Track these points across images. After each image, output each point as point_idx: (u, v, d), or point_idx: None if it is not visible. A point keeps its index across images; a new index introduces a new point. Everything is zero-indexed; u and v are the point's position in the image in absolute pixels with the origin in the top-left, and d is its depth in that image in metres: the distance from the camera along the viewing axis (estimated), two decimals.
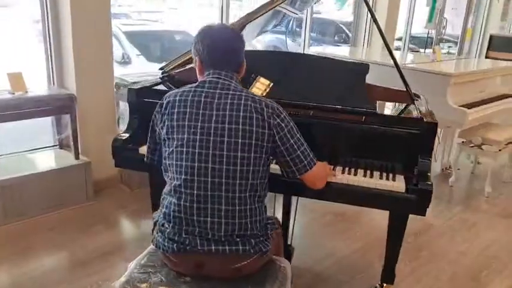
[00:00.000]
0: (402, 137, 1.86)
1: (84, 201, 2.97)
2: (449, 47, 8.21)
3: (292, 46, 9.51)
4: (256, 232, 1.46)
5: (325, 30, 9.55)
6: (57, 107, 2.79)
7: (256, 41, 9.34)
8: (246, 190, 1.42)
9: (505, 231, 3.01)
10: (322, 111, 1.94)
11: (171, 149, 1.44)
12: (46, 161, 3.01)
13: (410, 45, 7.03)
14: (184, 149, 1.41)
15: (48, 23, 2.92)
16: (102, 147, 3.11)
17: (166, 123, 1.45)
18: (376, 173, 1.85)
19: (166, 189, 1.49)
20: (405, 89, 2.18)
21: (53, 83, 3.03)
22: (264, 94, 2.05)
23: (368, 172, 1.86)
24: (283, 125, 1.44)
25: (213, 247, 1.42)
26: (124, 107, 3.67)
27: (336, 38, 9.13)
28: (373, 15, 2.18)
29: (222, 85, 1.45)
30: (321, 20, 10.03)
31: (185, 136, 1.41)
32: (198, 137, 1.40)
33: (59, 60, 2.99)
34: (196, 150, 1.40)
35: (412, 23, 6.48)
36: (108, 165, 3.16)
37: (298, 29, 10.08)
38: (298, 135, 1.49)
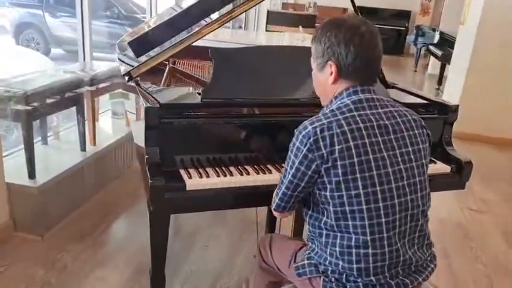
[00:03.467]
0: (433, 122, 2.01)
1: None
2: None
3: (54, 23, 8.40)
4: (432, 246, 1.39)
5: (93, 5, 8.75)
6: None
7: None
8: (429, 211, 1.33)
9: None
10: None
11: (355, 192, 1.17)
12: None
13: None
14: (378, 188, 1.18)
15: None
16: None
17: (339, 162, 1.16)
18: None
19: (347, 241, 1.20)
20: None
21: None
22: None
23: None
24: None
25: (420, 279, 1.28)
26: None
27: (108, 13, 8.55)
28: None
29: (378, 101, 1.27)
30: None
31: (374, 172, 1.18)
32: (390, 170, 1.20)
33: None
34: (393, 185, 1.20)
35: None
36: None
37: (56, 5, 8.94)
38: None
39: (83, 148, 2.83)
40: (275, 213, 1.37)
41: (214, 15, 2.01)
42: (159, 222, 1.83)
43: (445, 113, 2.00)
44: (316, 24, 8.78)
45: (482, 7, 4.62)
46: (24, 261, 2.21)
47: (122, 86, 3.20)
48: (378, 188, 1.17)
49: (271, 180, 1.64)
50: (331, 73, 1.24)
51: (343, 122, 1.18)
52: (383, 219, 1.18)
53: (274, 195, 1.35)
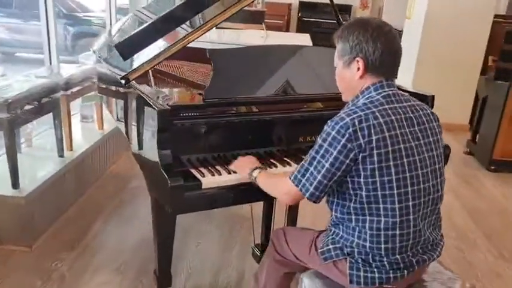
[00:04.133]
0: None
1: None
2: None
3: None
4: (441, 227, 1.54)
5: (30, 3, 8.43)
6: None
7: None
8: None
9: None
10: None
11: (388, 178, 1.28)
12: None
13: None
14: (408, 174, 1.30)
15: None
16: None
17: (375, 151, 1.26)
18: None
19: (377, 224, 1.31)
20: None
21: None
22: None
23: None
24: None
25: (435, 255, 1.43)
26: None
27: None
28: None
29: (402, 96, 1.39)
30: None
31: (404, 160, 1.30)
32: (416, 158, 1.33)
33: None
34: (419, 172, 1.33)
35: None
36: None
37: None
38: None
39: (61, 154, 2.76)
40: (293, 200, 1.44)
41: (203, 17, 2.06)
42: (168, 222, 1.88)
43: (424, 102, 2.17)
44: (265, 20, 8.92)
45: (428, 2, 4.93)
46: (18, 274, 2.15)
47: (94, 89, 3.14)
48: (408, 175, 1.30)
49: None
50: (358, 68, 1.34)
51: (378, 114, 1.28)
52: (410, 203, 1.31)
53: (300, 184, 1.35)
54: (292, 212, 2.39)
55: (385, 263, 1.34)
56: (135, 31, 2.35)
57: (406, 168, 1.30)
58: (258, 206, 2.34)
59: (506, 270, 2.52)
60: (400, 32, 6.95)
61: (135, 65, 1.99)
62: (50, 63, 3.23)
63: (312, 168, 1.32)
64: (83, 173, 2.93)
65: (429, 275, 1.53)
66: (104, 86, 2.72)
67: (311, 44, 4.55)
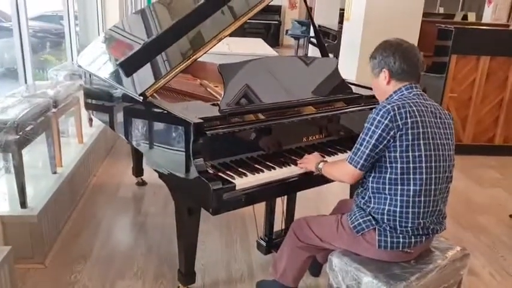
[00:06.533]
0: None
1: None
2: None
3: None
4: None
5: None
6: None
7: None
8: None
9: None
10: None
11: (418, 153, 1.64)
12: None
13: None
14: (433, 152, 1.66)
15: None
16: None
17: (410, 131, 1.62)
18: None
19: (407, 191, 1.65)
20: None
21: None
22: None
23: None
24: None
25: (443, 227, 1.79)
26: None
27: None
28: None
29: (427, 96, 1.76)
30: None
31: (431, 141, 1.66)
32: (439, 142, 1.69)
33: None
34: (441, 152, 1.69)
35: None
36: None
37: None
38: None
39: (54, 171, 2.81)
40: (352, 178, 1.75)
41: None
42: (193, 225, 2.08)
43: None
44: None
45: (365, 5, 5.41)
46: None
47: (74, 104, 3.20)
48: (433, 153, 1.66)
49: (292, 172, 1.99)
50: (385, 77, 1.74)
51: (411, 104, 1.66)
52: (433, 175, 1.67)
53: (354, 161, 1.69)
54: (290, 210, 2.65)
55: (409, 228, 1.67)
56: (136, 50, 2.50)
57: (432, 147, 1.66)
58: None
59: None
60: (336, 33, 7.50)
61: (148, 81, 2.15)
62: (26, 82, 3.21)
63: (362, 148, 1.67)
64: (74, 188, 3.00)
65: (432, 245, 1.87)
66: (99, 103, 2.83)
67: (267, 45, 4.87)
